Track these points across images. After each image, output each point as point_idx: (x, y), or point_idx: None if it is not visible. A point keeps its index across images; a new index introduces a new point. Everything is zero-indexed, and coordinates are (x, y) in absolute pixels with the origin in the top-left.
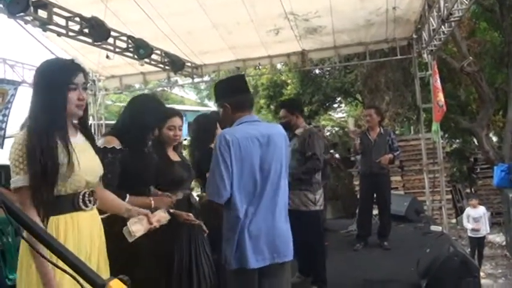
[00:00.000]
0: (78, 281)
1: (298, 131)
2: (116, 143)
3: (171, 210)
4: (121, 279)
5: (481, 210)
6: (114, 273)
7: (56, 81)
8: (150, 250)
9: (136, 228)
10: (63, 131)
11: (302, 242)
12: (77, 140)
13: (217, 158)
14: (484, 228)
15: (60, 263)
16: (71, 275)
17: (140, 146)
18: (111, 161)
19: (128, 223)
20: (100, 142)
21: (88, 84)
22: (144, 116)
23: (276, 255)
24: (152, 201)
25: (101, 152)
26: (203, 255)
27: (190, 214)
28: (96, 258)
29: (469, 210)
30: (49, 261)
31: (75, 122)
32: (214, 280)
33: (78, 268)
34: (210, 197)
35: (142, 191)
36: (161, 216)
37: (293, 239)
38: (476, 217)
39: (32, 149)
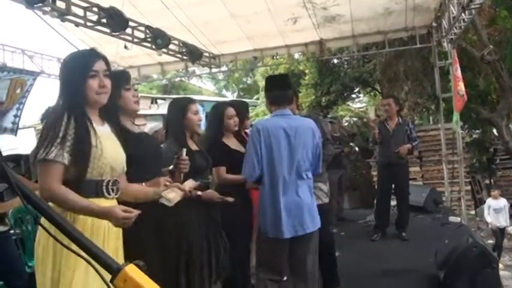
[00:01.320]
0: (92, 266)
1: None
2: None
3: (199, 193)
4: (137, 264)
5: (502, 202)
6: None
7: (76, 69)
8: (170, 236)
9: (172, 195)
10: (86, 117)
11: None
12: (105, 129)
13: (249, 144)
14: (504, 220)
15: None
16: (85, 259)
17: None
18: None
19: (162, 194)
20: None
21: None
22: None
23: (306, 227)
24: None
25: None
26: (221, 244)
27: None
28: (114, 244)
29: (490, 201)
30: (62, 244)
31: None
32: (230, 270)
33: (93, 253)
34: (244, 176)
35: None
36: (191, 184)
37: None
38: (496, 208)
39: (68, 127)
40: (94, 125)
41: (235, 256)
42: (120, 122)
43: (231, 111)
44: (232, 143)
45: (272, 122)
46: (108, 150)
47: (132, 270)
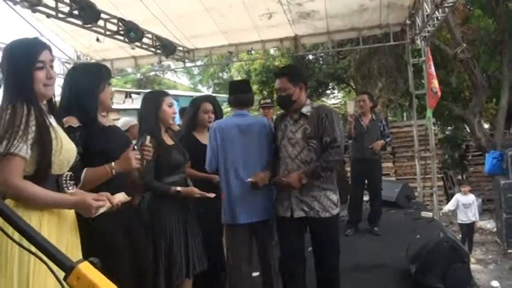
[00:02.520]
0: (45, 263)
1: (306, 110)
2: (73, 122)
3: (179, 188)
4: (91, 262)
5: (471, 197)
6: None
7: (21, 59)
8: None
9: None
10: (41, 108)
11: (317, 261)
12: (53, 122)
13: (209, 141)
14: (473, 215)
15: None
16: (37, 256)
17: (92, 118)
18: None
19: None
20: None
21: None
22: (84, 84)
23: (259, 215)
24: (113, 165)
25: None
26: (196, 239)
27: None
28: (75, 240)
29: (459, 196)
30: (12, 238)
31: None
32: (206, 262)
33: (45, 249)
34: (206, 167)
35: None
36: (121, 198)
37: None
38: (465, 204)
39: (28, 118)
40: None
41: (209, 250)
42: (96, 116)
43: (207, 106)
44: (204, 138)
45: (228, 121)
46: (64, 143)
47: (86, 268)
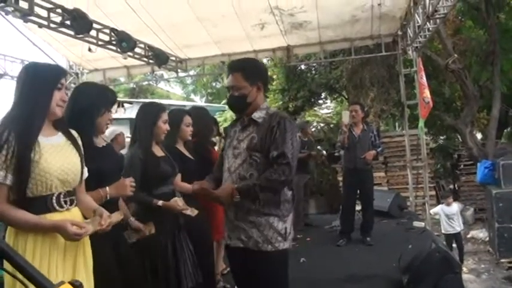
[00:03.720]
0: (25, 285)
1: (257, 115)
2: None
3: (160, 203)
4: (72, 284)
5: (455, 208)
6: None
7: (45, 78)
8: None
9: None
10: (38, 130)
11: None
12: (55, 140)
13: None
14: (458, 225)
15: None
16: (17, 278)
17: (88, 140)
18: None
19: None
20: None
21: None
22: (86, 106)
23: None
24: (107, 191)
25: None
26: (187, 252)
27: (180, 199)
28: (73, 256)
29: (443, 208)
30: None
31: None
32: (198, 276)
33: (25, 271)
34: None
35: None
36: (114, 219)
37: None
38: (448, 214)
39: (11, 146)
40: (40, 137)
41: (201, 265)
42: (92, 136)
43: (189, 119)
44: (184, 150)
45: None
46: (53, 163)
47: None
